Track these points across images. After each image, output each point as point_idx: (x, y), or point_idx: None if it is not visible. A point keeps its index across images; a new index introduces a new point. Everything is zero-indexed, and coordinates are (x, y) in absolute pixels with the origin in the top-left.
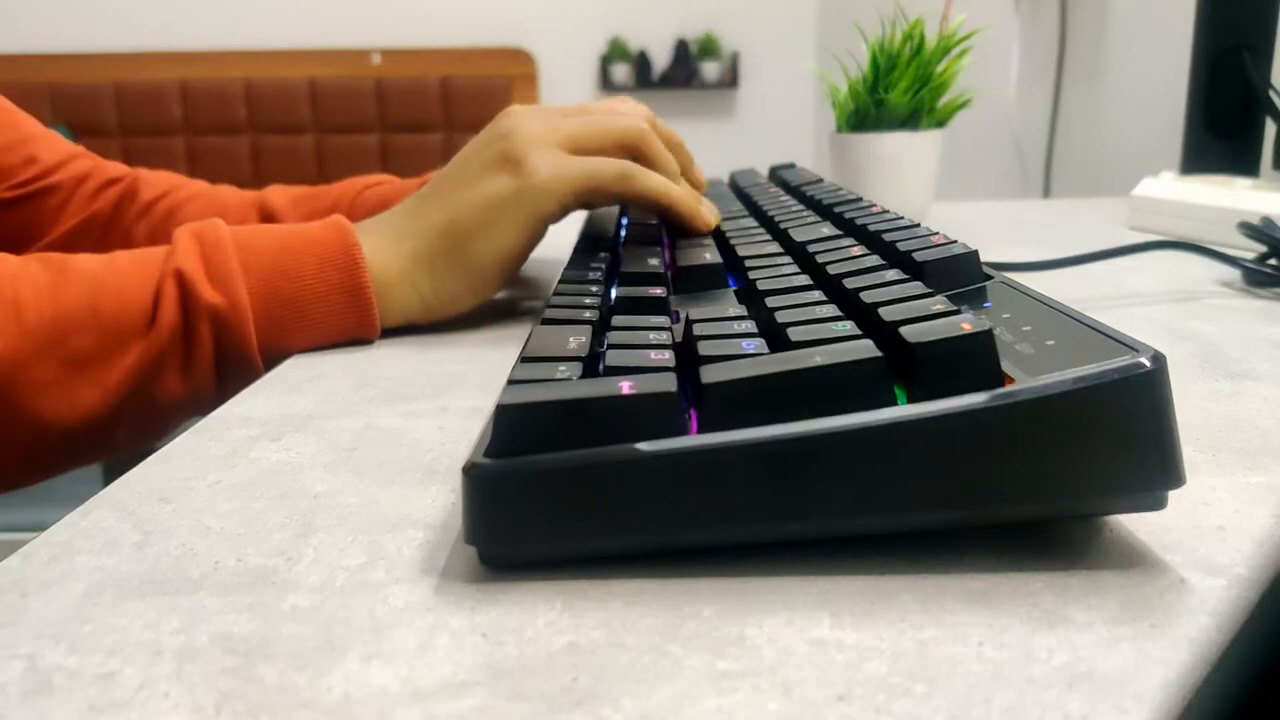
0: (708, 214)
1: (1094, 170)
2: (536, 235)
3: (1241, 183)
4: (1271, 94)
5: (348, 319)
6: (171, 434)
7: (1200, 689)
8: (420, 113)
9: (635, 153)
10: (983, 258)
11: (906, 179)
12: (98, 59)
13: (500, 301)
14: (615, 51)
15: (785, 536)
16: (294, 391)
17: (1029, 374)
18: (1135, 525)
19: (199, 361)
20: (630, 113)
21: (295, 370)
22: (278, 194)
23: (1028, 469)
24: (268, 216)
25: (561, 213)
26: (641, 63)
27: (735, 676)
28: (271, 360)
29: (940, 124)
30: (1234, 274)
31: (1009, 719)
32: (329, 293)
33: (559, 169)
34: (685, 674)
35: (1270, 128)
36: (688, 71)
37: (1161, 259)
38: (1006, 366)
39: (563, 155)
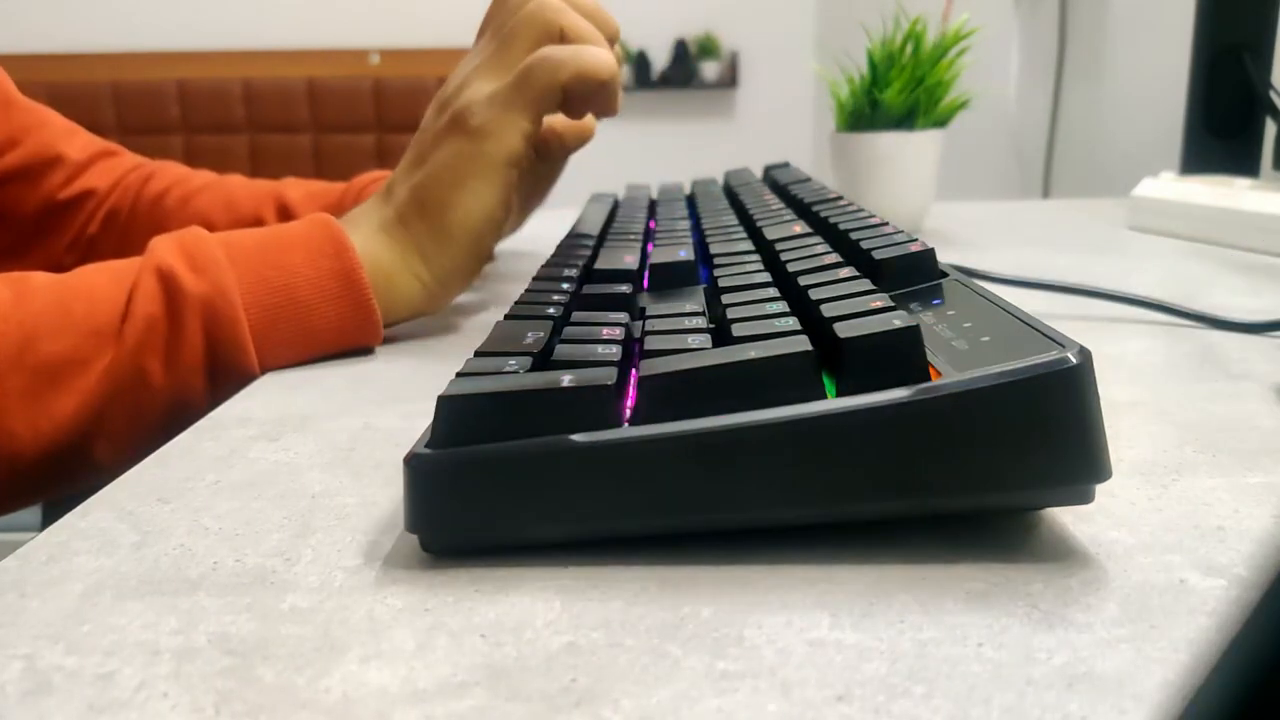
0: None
1: (1094, 170)
2: (510, 184)
3: (1241, 183)
4: (1271, 94)
5: (344, 306)
6: (166, 438)
7: (1200, 689)
8: (419, 113)
9: (557, 35)
10: (981, 257)
11: (905, 179)
12: (95, 58)
13: (502, 303)
14: None
15: (717, 526)
16: (292, 392)
17: (958, 369)
18: (1134, 525)
19: (186, 355)
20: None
21: (293, 370)
22: (294, 188)
23: (952, 462)
24: (283, 210)
25: (527, 144)
26: (640, 62)
27: (734, 677)
28: (267, 367)
29: (939, 124)
30: (1234, 272)
31: (1009, 719)
32: (321, 278)
33: (498, 107)
34: (685, 674)
35: (1270, 128)
36: (687, 71)
37: (1161, 259)
38: (938, 362)
39: (496, 90)
